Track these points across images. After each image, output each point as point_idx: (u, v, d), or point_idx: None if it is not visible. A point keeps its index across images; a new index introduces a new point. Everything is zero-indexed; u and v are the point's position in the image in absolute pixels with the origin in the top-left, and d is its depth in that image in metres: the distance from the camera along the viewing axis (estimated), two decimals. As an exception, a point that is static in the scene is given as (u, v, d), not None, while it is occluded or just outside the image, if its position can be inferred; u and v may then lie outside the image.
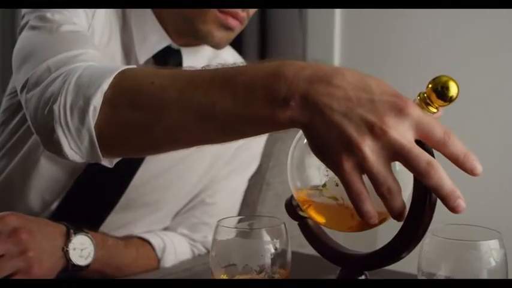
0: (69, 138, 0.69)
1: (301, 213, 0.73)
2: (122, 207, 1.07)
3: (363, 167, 0.56)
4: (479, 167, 0.58)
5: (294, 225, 0.75)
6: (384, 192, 0.57)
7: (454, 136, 0.57)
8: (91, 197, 1.05)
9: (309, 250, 0.76)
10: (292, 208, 0.74)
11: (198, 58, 1.08)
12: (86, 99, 0.68)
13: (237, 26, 1.02)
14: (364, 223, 0.61)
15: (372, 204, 0.58)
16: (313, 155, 0.65)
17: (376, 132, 0.55)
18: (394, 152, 0.56)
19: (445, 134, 0.57)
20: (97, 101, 0.67)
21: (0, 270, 0.85)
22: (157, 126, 0.65)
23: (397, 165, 0.62)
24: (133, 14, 1.03)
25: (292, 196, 0.73)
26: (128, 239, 1.07)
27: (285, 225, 0.69)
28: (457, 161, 0.57)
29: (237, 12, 0.99)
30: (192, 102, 0.62)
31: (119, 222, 1.07)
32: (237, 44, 1.73)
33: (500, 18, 1.43)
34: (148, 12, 1.03)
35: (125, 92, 0.68)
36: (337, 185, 0.63)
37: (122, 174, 1.05)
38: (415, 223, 0.62)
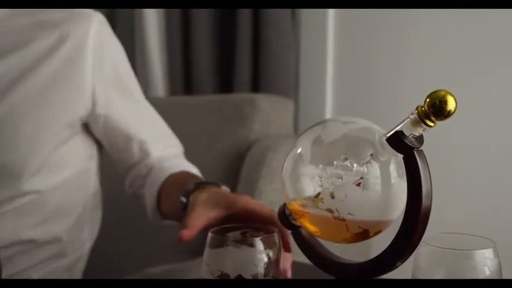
0: None
1: (294, 222, 0.73)
2: None
3: None
4: None
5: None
6: None
7: None
8: None
9: (302, 259, 0.76)
10: (285, 217, 0.73)
11: None
12: None
13: None
14: (359, 235, 0.60)
15: None
16: (306, 164, 0.64)
17: None
18: None
19: None
20: None
21: None
22: None
23: (392, 179, 0.62)
24: None
25: (284, 205, 0.72)
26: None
27: (278, 234, 0.68)
28: None
29: None
30: None
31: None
32: (230, 45, 1.74)
33: (500, 19, 1.42)
34: None
35: None
36: (333, 197, 0.63)
37: None
38: (409, 232, 0.62)
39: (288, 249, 0.77)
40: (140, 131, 1.10)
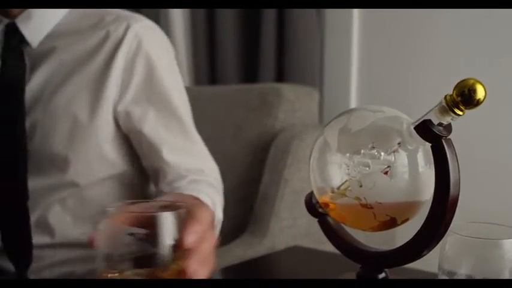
0: None
1: (320, 210, 0.73)
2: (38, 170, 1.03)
3: None
4: None
5: (313, 221, 0.75)
6: None
7: None
8: None
9: (328, 247, 0.76)
10: (312, 205, 0.74)
11: (37, 24, 1.05)
12: None
13: None
14: (387, 223, 0.60)
15: None
16: (334, 153, 0.64)
17: None
18: None
19: None
20: None
21: None
22: None
23: (420, 167, 0.62)
24: None
25: (312, 193, 0.73)
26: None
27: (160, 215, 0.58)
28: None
29: None
30: None
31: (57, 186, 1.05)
32: (255, 45, 1.74)
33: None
34: None
35: None
36: (360, 185, 0.63)
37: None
38: (436, 221, 0.62)
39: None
40: (156, 133, 1.07)
